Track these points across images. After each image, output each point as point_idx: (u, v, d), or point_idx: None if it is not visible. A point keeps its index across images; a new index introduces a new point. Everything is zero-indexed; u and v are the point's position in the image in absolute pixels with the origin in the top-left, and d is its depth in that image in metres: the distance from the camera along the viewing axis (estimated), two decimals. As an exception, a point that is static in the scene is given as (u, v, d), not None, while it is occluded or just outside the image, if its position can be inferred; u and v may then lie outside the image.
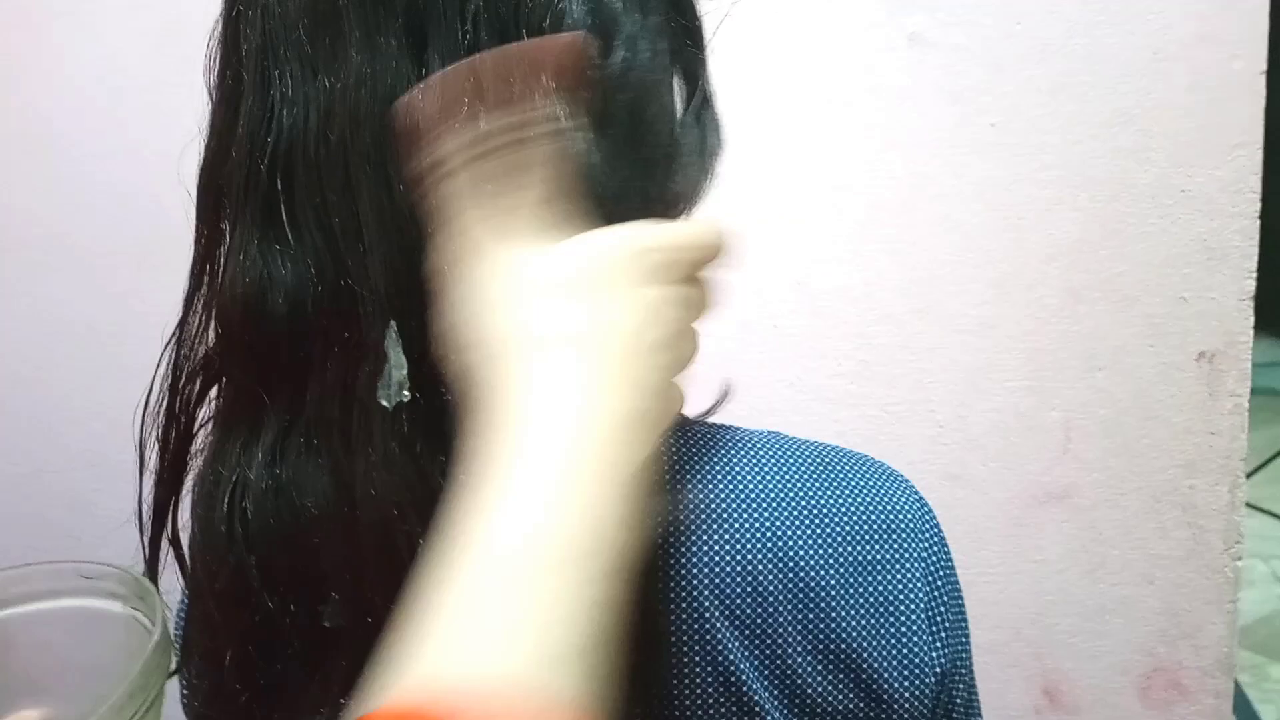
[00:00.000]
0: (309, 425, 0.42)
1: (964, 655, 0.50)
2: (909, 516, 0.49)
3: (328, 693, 0.44)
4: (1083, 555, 1.07)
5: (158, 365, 0.46)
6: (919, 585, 0.48)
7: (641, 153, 0.43)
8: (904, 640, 0.46)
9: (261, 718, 0.45)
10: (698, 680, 0.45)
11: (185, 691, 0.50)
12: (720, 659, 0.44)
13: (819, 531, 0.47)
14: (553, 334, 0.37)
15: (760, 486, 0.47)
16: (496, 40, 0.40)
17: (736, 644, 0.45)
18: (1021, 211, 1.04)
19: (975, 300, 1.06)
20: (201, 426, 0.46)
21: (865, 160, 1.06)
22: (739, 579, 0.45)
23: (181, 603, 0.51)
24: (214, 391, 0.46)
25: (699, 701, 0.45)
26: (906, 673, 0.46)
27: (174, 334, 0.46)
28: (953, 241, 1.06)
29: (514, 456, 0.35)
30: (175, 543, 0.48)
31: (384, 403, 0.41)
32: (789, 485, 0.48)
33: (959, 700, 0.49)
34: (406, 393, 0.41)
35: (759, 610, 0.45)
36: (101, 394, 1.24)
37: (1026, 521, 1.08)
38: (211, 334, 0.45)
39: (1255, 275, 1.01)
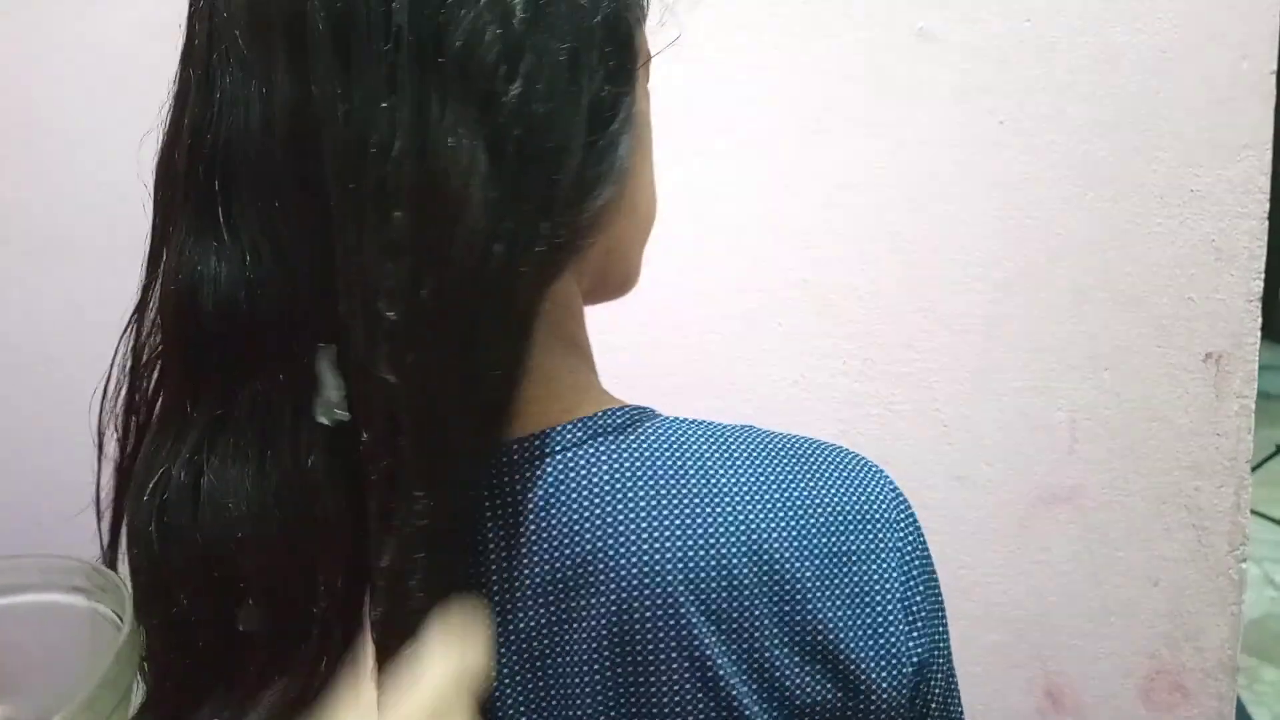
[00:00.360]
0: (235, 427, 0.42)
1: (941, 645, 0.50)
2: (883, 507, 0.49)
3: (231, 695, 0.44)
4: (1087, 557, 1.07)
5: (114, 354, 0.47)
6: (894, 575, 0.48)
7: (536, 189, 0.42)
8: (880, 630, 0.47)
9: (178, 707, 0.46)
10: (675, 676, 0.45)
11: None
12: (697, 654, 0.45)
13: (793, 523, 0.47)
14: None
15: (733, 480, 0.48)
16: (415, 62, 0.39)
17: (713, 639, 0.45)
18: (1028, 211, 1.04)
19: (981, 300, 1.06)
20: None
21: (871, 158, 1.06)
22: (714, 573, 0.45)
23: None
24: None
25: (677, 697, 0.45)
26: (884, 663, 0.47)
27: (130, 323, 0.47)
28: (959, 240, 1.05)
29: None
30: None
31: (321, 420, 0.41)
32: (762, 478, 0.48)
33: (937, 690, 0.50)
34: (341, 413, 0.41)
35: (735, 604, 0.45)
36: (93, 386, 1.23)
37: (1031, 522, 1.07)
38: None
39: (1263, 276, 1.01)
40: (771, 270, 1.08)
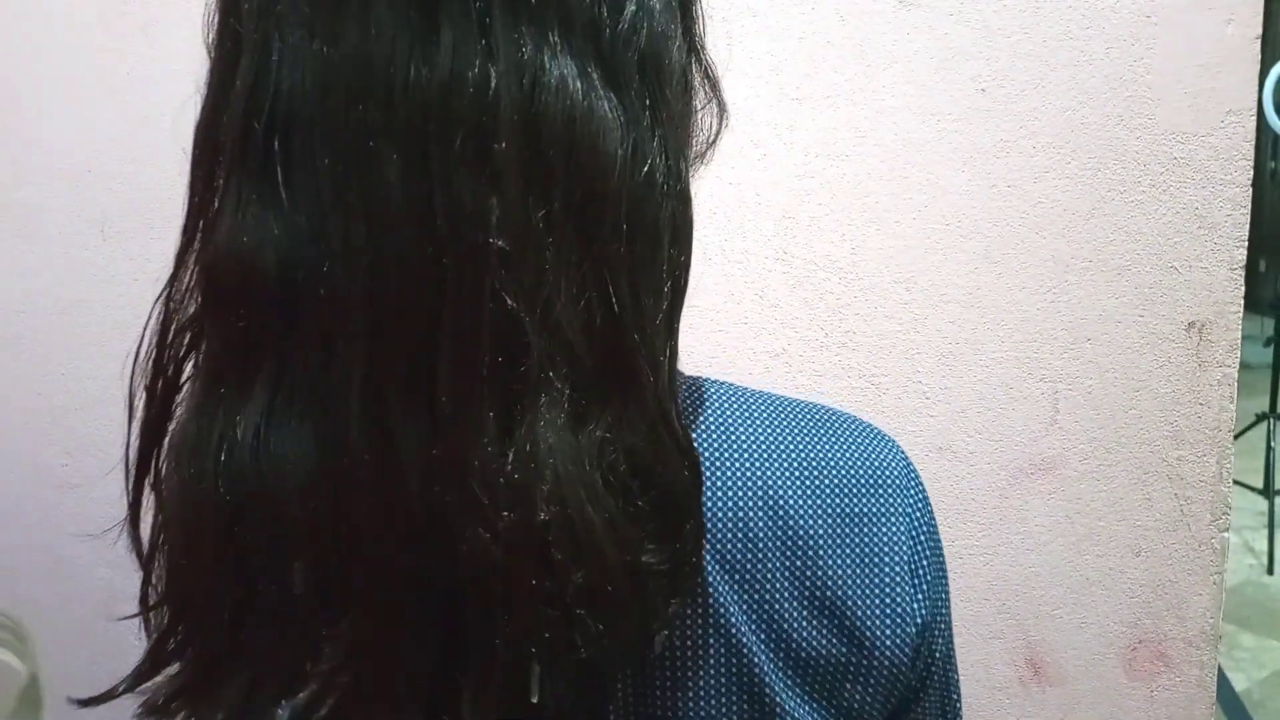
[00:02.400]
0: (293, 387, 0.42)
1: (943, 609, 0.53)
2: (895, 473, 0.52)
3: (284, 659, 0.43)
4: (1069, 527, 1.07)
5: (148, 319, 0.46)
6: (903, 539, 0.50)
7: (659, 109, 0.43)
8: (887, 591, 0.49)
9: (227, 674, 0.45)
10: (690, 624, 0.46)
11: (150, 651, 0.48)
12: (712, 604, 0.46)
13: (809, 482, 0.49)
14: None
15: (751, 437, 0.50)
16: (508, 2, 0.39)
17: (727, 589, 0.47)
18: (1010, 179, 1.03)
19: (962, 270, 1.05)
20: (188, 380, 0.46)
21: (851, 126, 1.04)
22: (730, 526, 0.47)
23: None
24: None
25: (691, 645, 0.46)
26: (889, 622, 0.49)
27: (165, 289, 0.46)
28: (940, 210, 1.04)
29: None
30: (157, 489, 0.47)
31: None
32: (780, 437, 0.50)
33: (938, 653, 0.52)
34: None
35: (749, 557, 0.47)
36: (66, 365, 1.21)
37: (1013, 493, 1.07)
38: (201, 291, 0.44)
39: (1246, 245, 1.00)
40: (751, 241, 1.07)
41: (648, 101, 0.43)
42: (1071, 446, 1.05)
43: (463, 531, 0.40)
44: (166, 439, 0.46)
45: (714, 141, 0.52)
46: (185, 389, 0.46)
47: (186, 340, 0.46)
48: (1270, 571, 3.62)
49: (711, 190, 1.07)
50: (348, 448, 0.41)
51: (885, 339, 1.07)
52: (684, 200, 0.45)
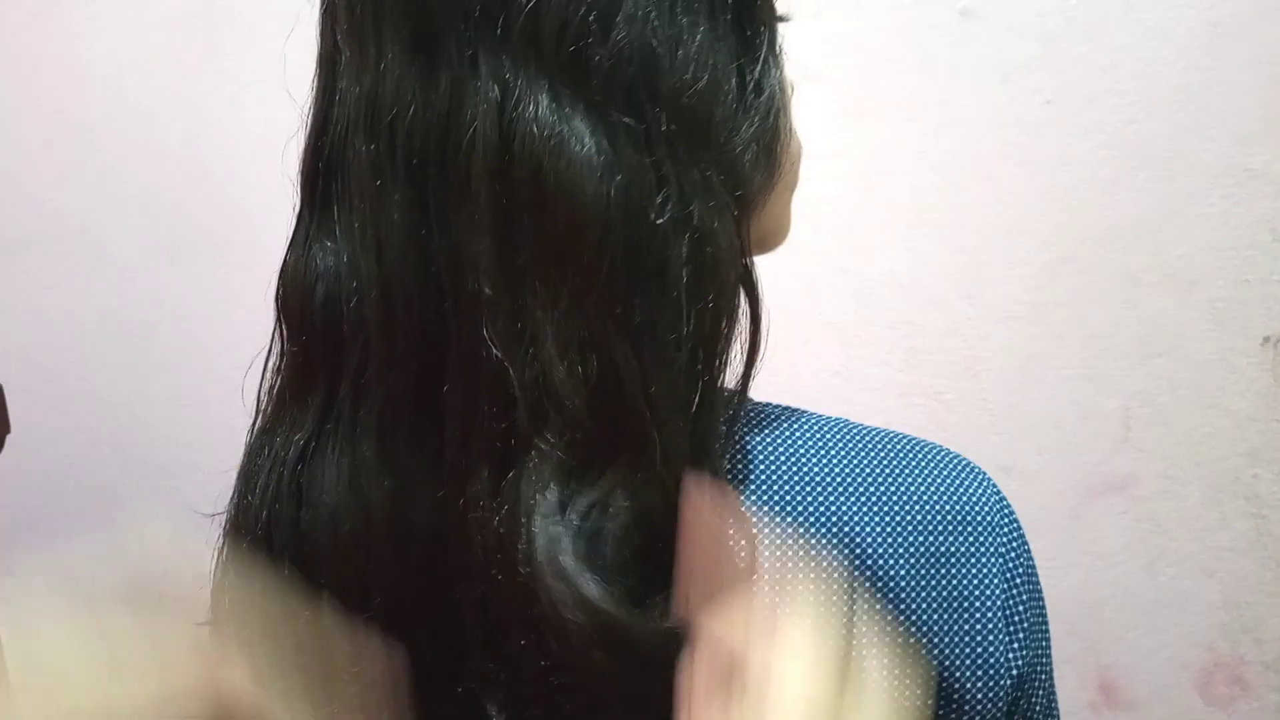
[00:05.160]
0: (338, 417, 0.43)
1: (1044, 660, 0.48)
2: (986, 509, 0.47)
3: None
4: (1141, 547, 1.04)
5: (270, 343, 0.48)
6: (996, 582, 0.45)
7: (672, 141, 0.40)
8: (979, 638, 0.44)
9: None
10: None
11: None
12: None
13: (889, 519, 0.45)
14: None
15: (825, 470, 0.46)
16: (493, 40, 0.39)
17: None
18: (1076, 192, 1.01)
19: (1028, 285, 1.03)
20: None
21: (913, 141, 1.03)
22: (803, 567, 0.44)
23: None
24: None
25: None
26: (981, 673, 0.44)
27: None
28: (1004, 224, 1.02)
29: None
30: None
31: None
32: (856, 470, 0.46)
33: (1038, 707, 0.47)
34: None
35: (822, 600, 0.43)
36: (128, 387, 1.22)
37: (1083, 513, 1.04)
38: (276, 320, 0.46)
39: (1322, 256, 0.98)
40: (811, 257, 1.06)
41: (647, 132, 0.39)
42: (1143, 465, 1.03)
43: (460, 581, 0.41)
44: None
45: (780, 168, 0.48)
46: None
47: (276, 367, 0.47)
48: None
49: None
50: (366, 480, 0.41)
51: (949, 355, 1.05)
52: (705, 236, 0.40)
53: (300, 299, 0.43)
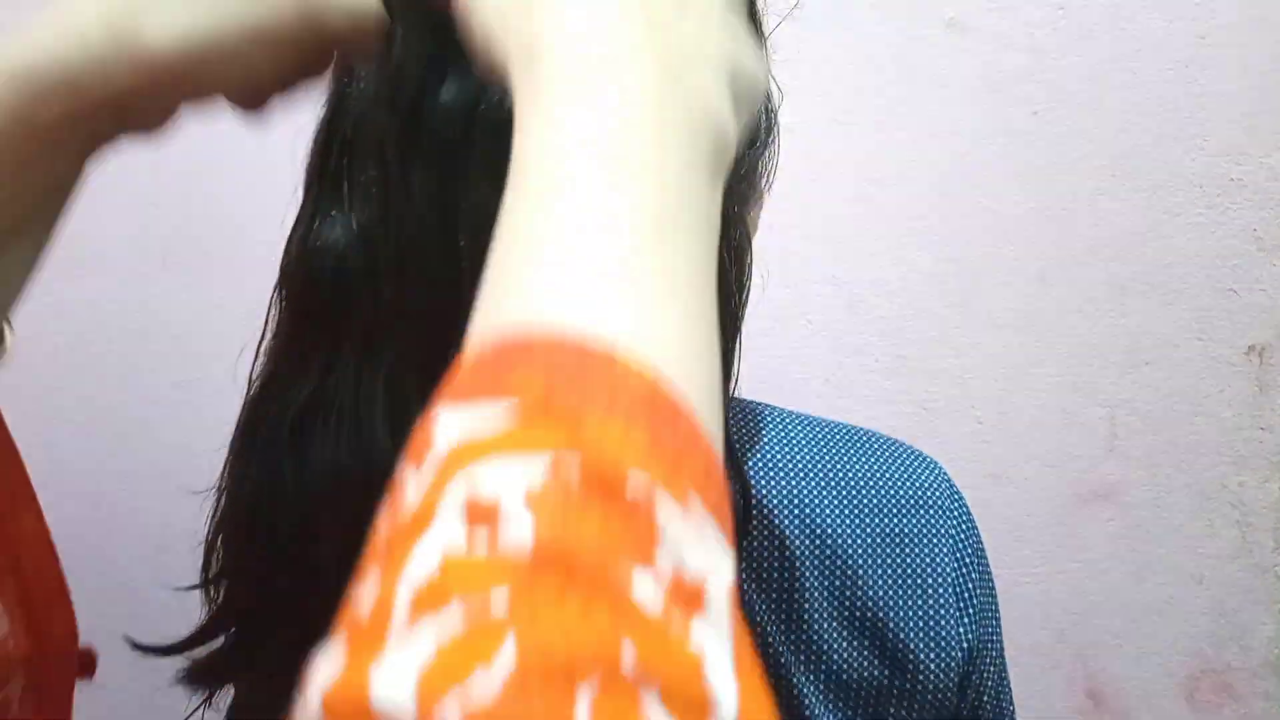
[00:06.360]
0: (336, 386, 0.44)
1: (994, 638, 0.51)
2: (938, 493, 0.50)
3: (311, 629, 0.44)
4: (1128, 555, 1.05)
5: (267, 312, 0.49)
6: (947, 560, 0.49)
7: None
8: (931, 612, 0.47)
9: (259, 642, 0.47)
10: None
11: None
12: (750, 624, 0.45)
13: (847, 501, 0.48)
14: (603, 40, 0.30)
15: (788, 458, 0.49)
16: None
17: (765, 609, 0.46)
18: (1063, 202, 1.02)
19: (1016, 294, 1.03)
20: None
21: (901, 150, 1.04)
22: (767, 546, 0.46)
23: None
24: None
25: None
26: (933, 644, 0.47)
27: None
28: (992, 233, 1.03)
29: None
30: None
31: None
32: (817, 457, 0.49)
33: (990, 682, 0.50)
34: None
35: (787, 576, 0.46)
36: (120, 395, 1.22)
37: (1070, 520, 1.05)
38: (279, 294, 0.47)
39: (1307, 266, 0.98)
40: (800, 265, 1.06)
41: None
42: (1130, 473, 1.04)
43: None
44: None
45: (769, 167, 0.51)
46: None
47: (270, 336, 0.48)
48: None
49: (760, 215, 1.06)
50: (368, 438, 0.42)
51: (937, 364, 1.06)
52: (735, 220, 0.44)
53: (307, 268, 0.44)
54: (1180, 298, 1.01)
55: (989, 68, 1.01)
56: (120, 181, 1.20)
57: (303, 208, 0.46)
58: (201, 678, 0.45)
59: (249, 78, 0.38)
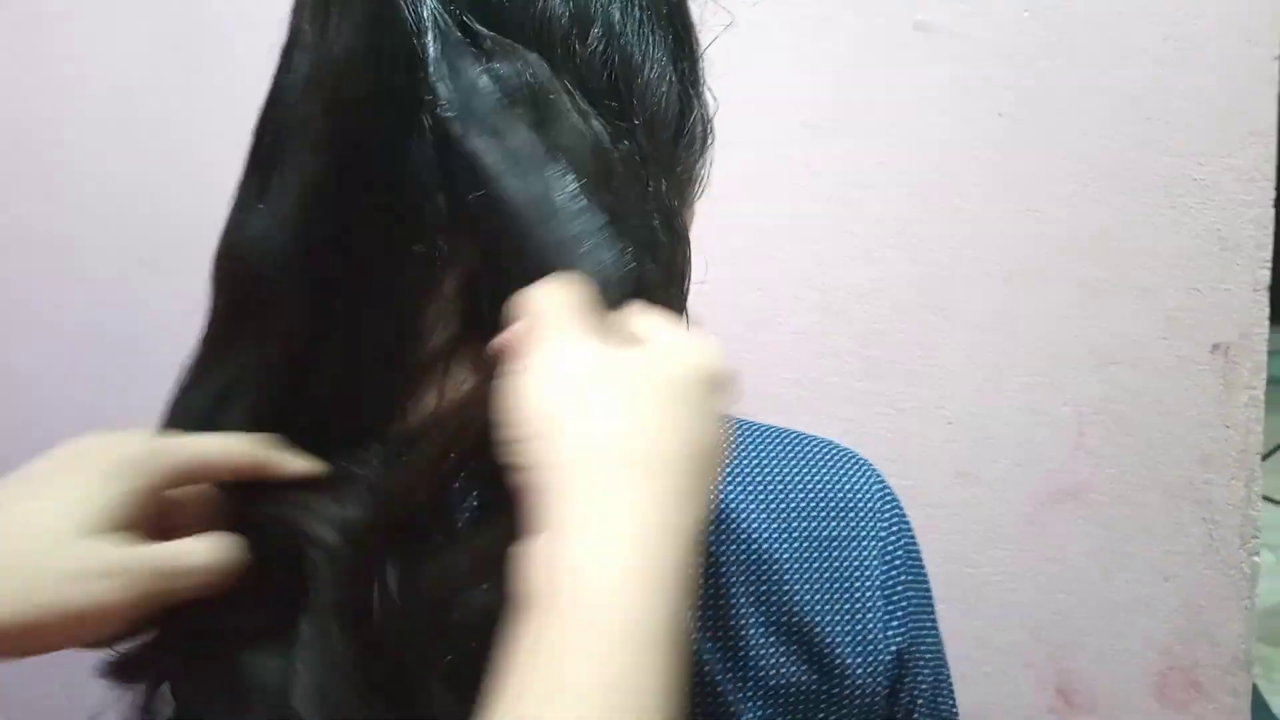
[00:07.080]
0: (243, 372, 0.44)
1: (928, 639, 0.50)
2: (866, 496, 0.50)
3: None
4: (1098, 553, 1.06)
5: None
6: (875, 563, 0.48)
7: (641, 118, 0.43)
8: (858, 616, 0.47)
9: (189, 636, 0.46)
10: None
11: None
12: None
13: (774, 507, 0.48)
14: (615, 449, 0.34)
15: None
16: (459, 18, 0.41)
17: (690, 616, 0.44)
18: (1032, 204, 1.03)
19: (986, 295, 1.04)
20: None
21: (872, 153, 1.05)
22: None
23: None
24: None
25: None
26: (860, 649, 0.47)
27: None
28: (963, 236, 1.04)
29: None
30: None
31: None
32: (744, 463, 0.49)
33: (924, 685, 0.49)
34: None
35: (712, 583, 0.45)
36: (107, 398, 1.22)
37: (1040, 519, 1.06)
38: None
39: (1270, 265, 0.99)
40: (775, 268, 1.07)
41: (623, 125, 0.42)
42: (1098, 471, 1.04)
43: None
44: None
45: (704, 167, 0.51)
46: None
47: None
48: (1308, 592, 3.56)
49: (734, 219, 1.07)
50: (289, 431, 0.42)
51: (910, 365, 1.06)
52: (671, 214, 0.44)
53: (228, 258, 0.45)
54: (1147, 298, 1.02)
55: (957, 71, 1.02)
56: (109, 187, 1.20)
57: (238, 194, 0.46)
58: (124, 671, 0.45)
59: (97, 636, 0.40)
